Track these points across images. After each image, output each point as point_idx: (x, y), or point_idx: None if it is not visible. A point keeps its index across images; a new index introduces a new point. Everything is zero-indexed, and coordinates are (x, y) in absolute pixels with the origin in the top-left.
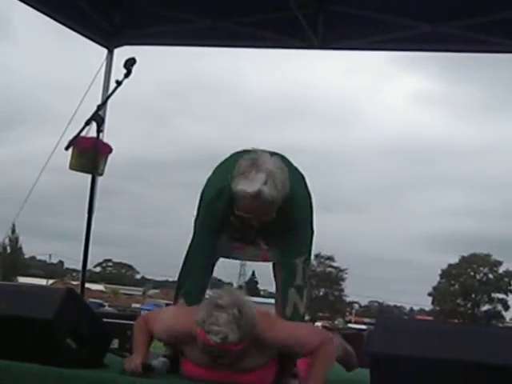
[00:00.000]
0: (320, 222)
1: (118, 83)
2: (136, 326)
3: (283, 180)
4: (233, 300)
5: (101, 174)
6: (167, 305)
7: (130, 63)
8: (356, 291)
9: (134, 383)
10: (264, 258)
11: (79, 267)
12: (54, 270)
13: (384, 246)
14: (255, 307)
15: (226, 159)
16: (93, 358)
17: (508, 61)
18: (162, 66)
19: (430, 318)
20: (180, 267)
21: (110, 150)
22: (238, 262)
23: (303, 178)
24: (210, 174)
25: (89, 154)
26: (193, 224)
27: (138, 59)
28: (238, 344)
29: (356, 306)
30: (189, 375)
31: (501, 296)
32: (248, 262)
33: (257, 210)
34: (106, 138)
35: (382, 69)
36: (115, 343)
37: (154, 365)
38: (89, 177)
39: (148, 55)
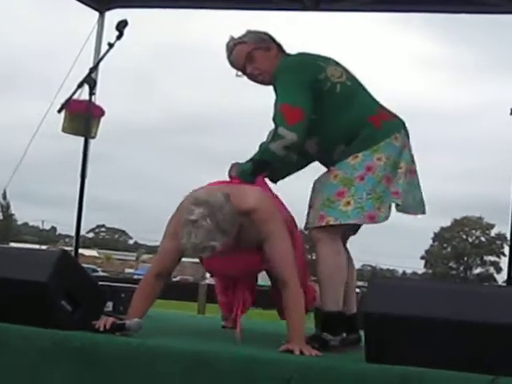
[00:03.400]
0: (308, 184)
1: (110, 45)
2: (138, 288)
3: (249, 32)
4: (204, 209)
5: (93, 137)
6: None
7: (121, 25)
8: None
9: (128, 343)
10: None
11: (72, 233)
12: (46, 236)
13: None
14: (241, 194)
15: None
16: (87, 319)
17: (503, 22)
18: (153, 28)
19: None
20: None
21: (103, 113)
22: None
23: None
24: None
25: (81, 117)
26: None
27: (129, 22)
28: (224, 245)
29: None
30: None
31: (493, 259)
32: None
33: (238, 57)
34: (97, 101)
35: (378, 31)
36: (109, 306)
37: (128, 324)
38: (81, 141)
39: (139, 18)
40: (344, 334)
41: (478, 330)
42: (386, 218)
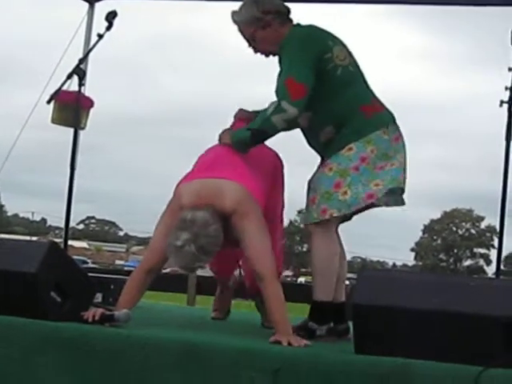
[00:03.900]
0: (301, 177)
1: (100, 36)
2: (128, 282)
3: (243, 10)
4: (188, 234)
5: (83, 128)
6: None
7: (111, 16)
8: None
9: (118, 334)
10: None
11: (62, 224)
12: (37, 227)
13: None
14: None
15: None
16: (77, 311)
17: (492, 14)
18: (144, 19)
19: None
20: None
21: (92, 104)
22: None
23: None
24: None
25: (70, 108)
26: None
27: (119, 13)
28: (211, 258)
29: None
30: None
31: (483, 251)
32: None
33: (242, 35)
34: (87, 92)
35: (364, 23)
36: (99, 297)
37: (117, 315)
38: (71, 132)
39: (130, 9)
40: (331, 324)
41: (466, 321)
42: (387, 188)
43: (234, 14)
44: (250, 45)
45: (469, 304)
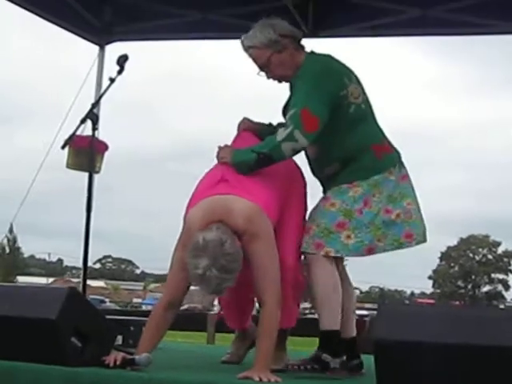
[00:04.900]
0: None
1: (112, 80)
2: (148, 320)
3: (258, 33)
4: (206, 259)
5: (98, 172)
6: None
7: (122, 60)
8: (356, 277)
9: (139, 377)
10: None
11: (79, 264)
12: (53, 268)
13: None
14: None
15: None
16: (98, 355)
17: (503, 41)
18: (154, 59)
19: (431, 301)
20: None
21: (106, 148)
22: None
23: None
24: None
25: (85, 153)
26: None
27: (129, 55)
28: (235, 277)
29: (357, 291)
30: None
31: (501, 276)
32: None
33: (254, 60)
34: (100, 134)
35: (378, 54)
36: (119, 339)
37: (137, 359)
38: (86, 174)
39: (139, 50)
40: (344, 358)
41: (489, 354)
42: (385, 250)
43: (246, 38)
44: (262, 70)
45: (491, 337)
